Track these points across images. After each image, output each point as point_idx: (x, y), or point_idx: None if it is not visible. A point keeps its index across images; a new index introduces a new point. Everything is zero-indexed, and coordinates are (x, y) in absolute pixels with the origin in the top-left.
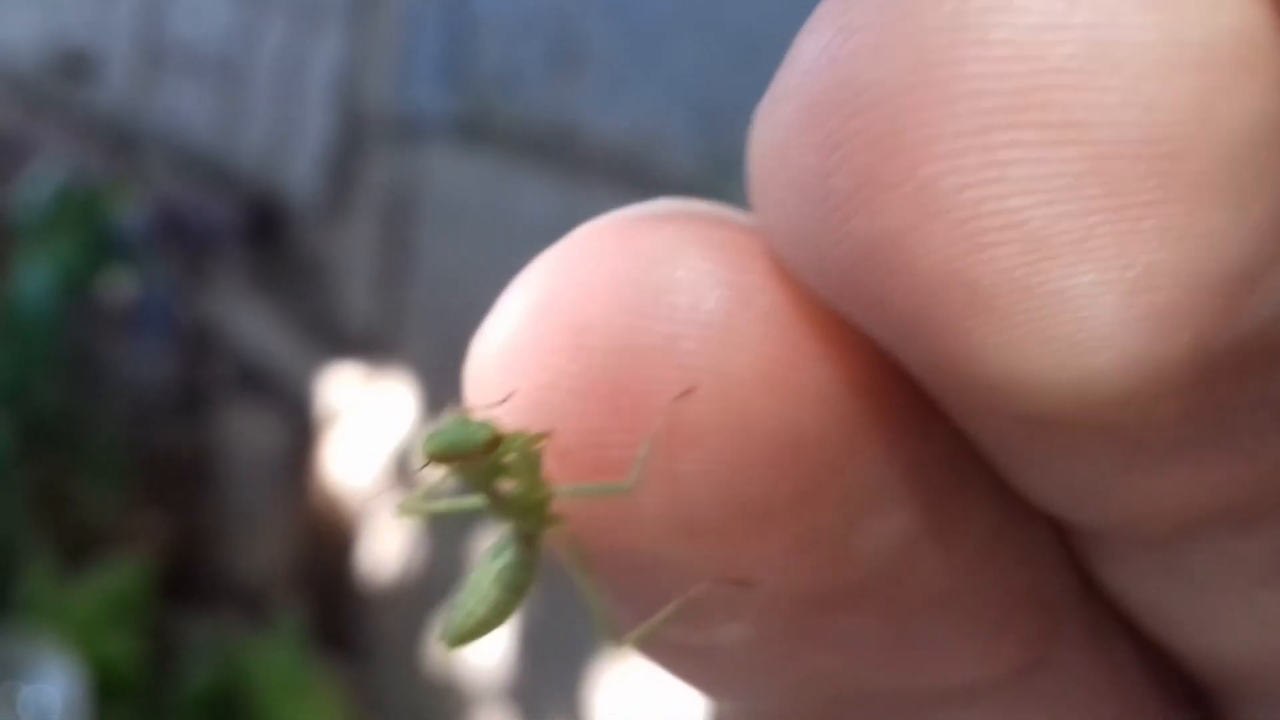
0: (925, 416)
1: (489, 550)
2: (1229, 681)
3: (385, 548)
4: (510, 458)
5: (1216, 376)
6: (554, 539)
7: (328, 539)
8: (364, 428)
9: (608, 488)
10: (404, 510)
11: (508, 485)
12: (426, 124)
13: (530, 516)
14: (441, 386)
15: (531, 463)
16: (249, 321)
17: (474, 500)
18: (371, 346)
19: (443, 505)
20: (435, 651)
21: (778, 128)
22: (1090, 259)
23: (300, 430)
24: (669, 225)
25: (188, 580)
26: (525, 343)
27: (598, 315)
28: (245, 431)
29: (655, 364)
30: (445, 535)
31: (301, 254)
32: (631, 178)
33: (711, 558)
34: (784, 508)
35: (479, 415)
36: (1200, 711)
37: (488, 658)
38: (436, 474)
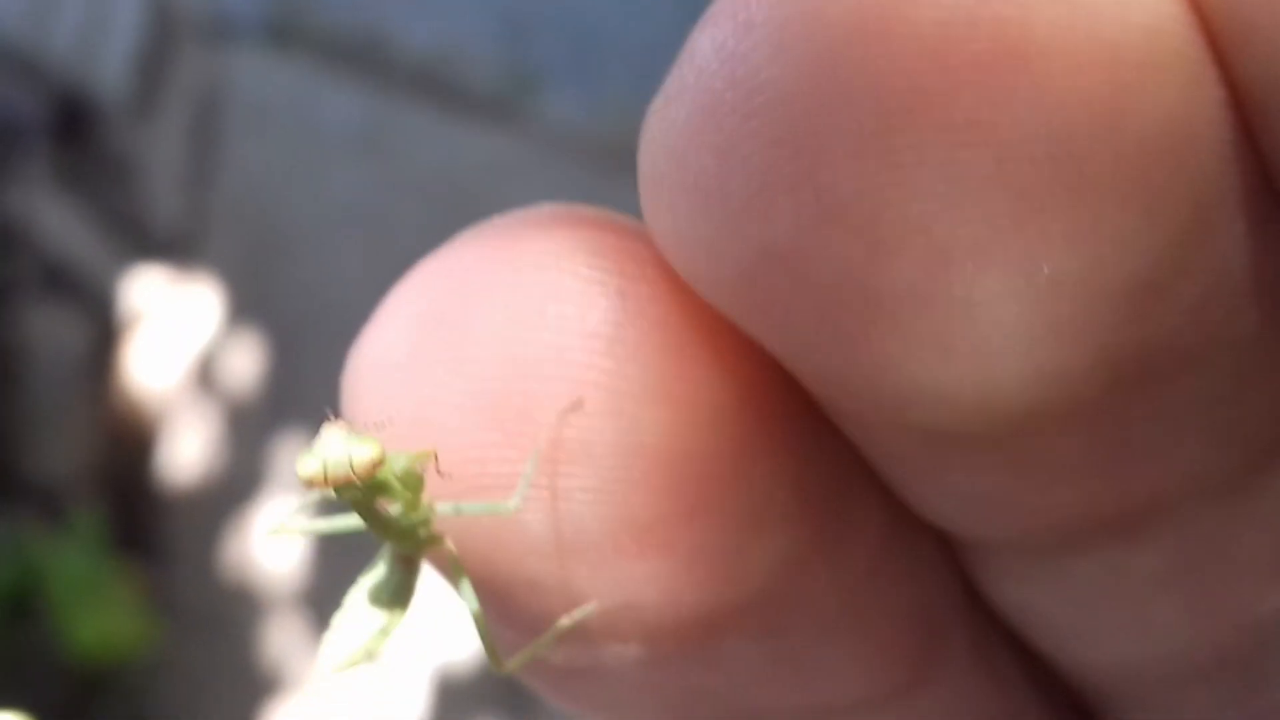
0: (816, 430)
1: (366, 573)
2: (1110, 692)
3: (184, 451)
4: (391, 477)
5: (1120, 387)
6: (434, 558)
7: (128, 441)
8: (167, 330)
9: (491, 507)
10: (276, 532)
11: (387, 505)
12: (237, 25)
13: (410, 537)
14: (245, 291)
15: (413, 482)
16: (54, 219)
17: (350, 521)
18: (177, 248)
19: (316, 526)
20: (230, 555)
21: (671, 128)
22: (994, 266)
23: (103, 331)
24: (554, 231)
25: None
26: (405, 355)
27: (481, 326)
28: (48, 330)
29: (541, 377)
30: (243, 439)
31: (109, 152)
32: (437, 89)
33: (596, 578)
34: (671, 526)
35: (358, 433)
36: None
37: (282, 562)
38: (309, 492)
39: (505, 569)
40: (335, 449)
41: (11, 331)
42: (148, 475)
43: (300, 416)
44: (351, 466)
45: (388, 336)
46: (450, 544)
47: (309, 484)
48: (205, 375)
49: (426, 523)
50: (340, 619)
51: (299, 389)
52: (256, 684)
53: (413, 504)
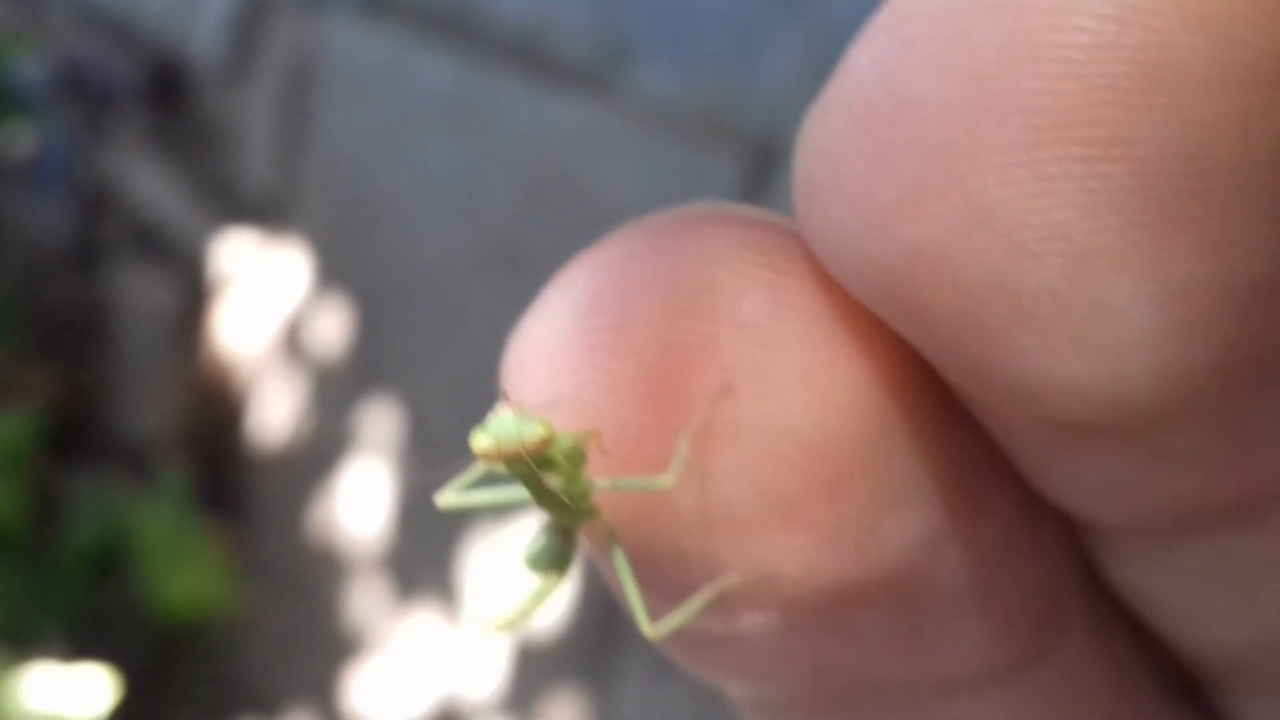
0: (952, 417)
1: (529, 541)
2: (1224, 674)
3: (271, 414)
4: (558, 454)
5: (1242, 383)
6: (590, 530)
7: (216, 402)
8: (257, 294)
9: (648, 483)
10: (444, 503)
11: (551, 479)
12: None
13: (571, 510)
14: (335, 257)
15: (577, 459)
16: (147, 181)
17: (514, 493)
18: (268, 213)
19: (483, 498)
20: (315, 518)
21: (827, 136)
22: (1129, 271)
23: (193, 293)
24: (711, 227)
25: (75, 437)
26: (568, 341)
27: (640, 315)
28: (139, 291)
29: (695, 363)
30: (329, 404)
31: (202, 116)
32: (528, 58)
33: (740, 551)
34: (813, 504)
35: (530, 413)
36: (1195, 704)
37: (365, 527)
38: (478, 466)
39: (655, 541)
40: (508, 427)
41: (104, 291)
42: (235, 437)
43: (387, 383)
44: (523, 444)
45: (551, 323)
46: (606, 517)
47: (483, 458)
48: (293, 340)
49: (586, 496)
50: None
51: (386, 356)
52: (339, 646)
53: (575, 479)
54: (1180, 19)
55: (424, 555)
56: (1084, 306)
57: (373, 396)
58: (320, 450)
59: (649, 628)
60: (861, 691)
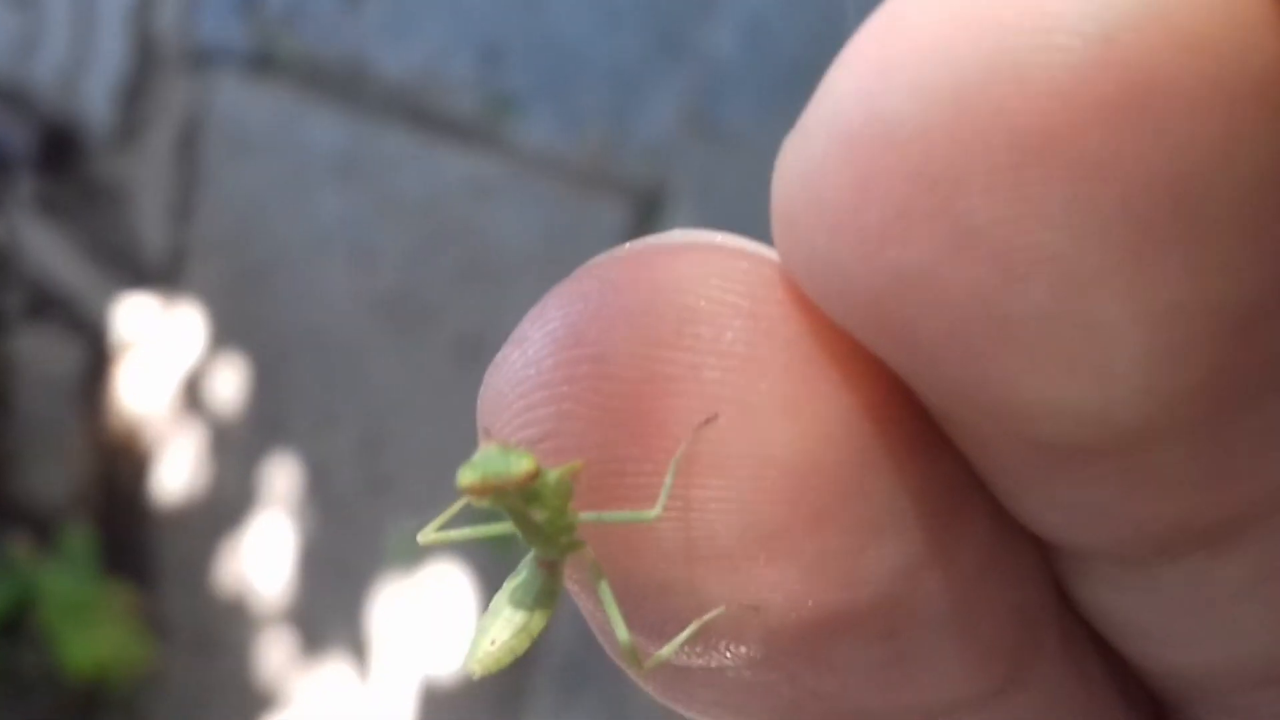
0: (931, 443)
1: (512, 577)
2: (1191, 693)
3: (174, 472)
4: (544, 488)
5: (1225, 404)
6: (574, 564)
7: (119, 463)
8: (157, 354)
9: (634, 516)
10: (425, 540)
11: (535, 513)
12: (218, 54)
13: (555, 543)
14: (232, 314)
15: (563, 493)
16: (42, 246)
17: (497, 528)
18: (164, 274)
19: (464, 534)
20: (222, 577)
21: (808, 160)
22: (1117, 293)
23: (94, 355)
24: (689, 255)
25: None
26: (547, 373)
27: (620, 345)
28: (39, 354)
29: (678, 393)
30: (231, 459)
31: (94, 180)
32: (415, 113)
33: (724, 583)
34: (797, 533)
35: (515, 447)
36: None
37: (270, 582)
38: (458, 502)
39: (640, 574)
40: (495, 462)
41: (3, 356)
42: (138, 496)
43: (288, 437)
44: (510, 479)
45: (528, 355)
46: (590, 551)
47: (469, 494)
48: (194, 398)
49: (572, 530)
50: (485, 621)
51: (286, 410)
52: (250, 701)
53: (561, 513)
54: (1167, 38)
55: (331, 608)
56: (1072, 328)
57: (274, 451)
58: (224, 506)
59: (637, 665)
60: None
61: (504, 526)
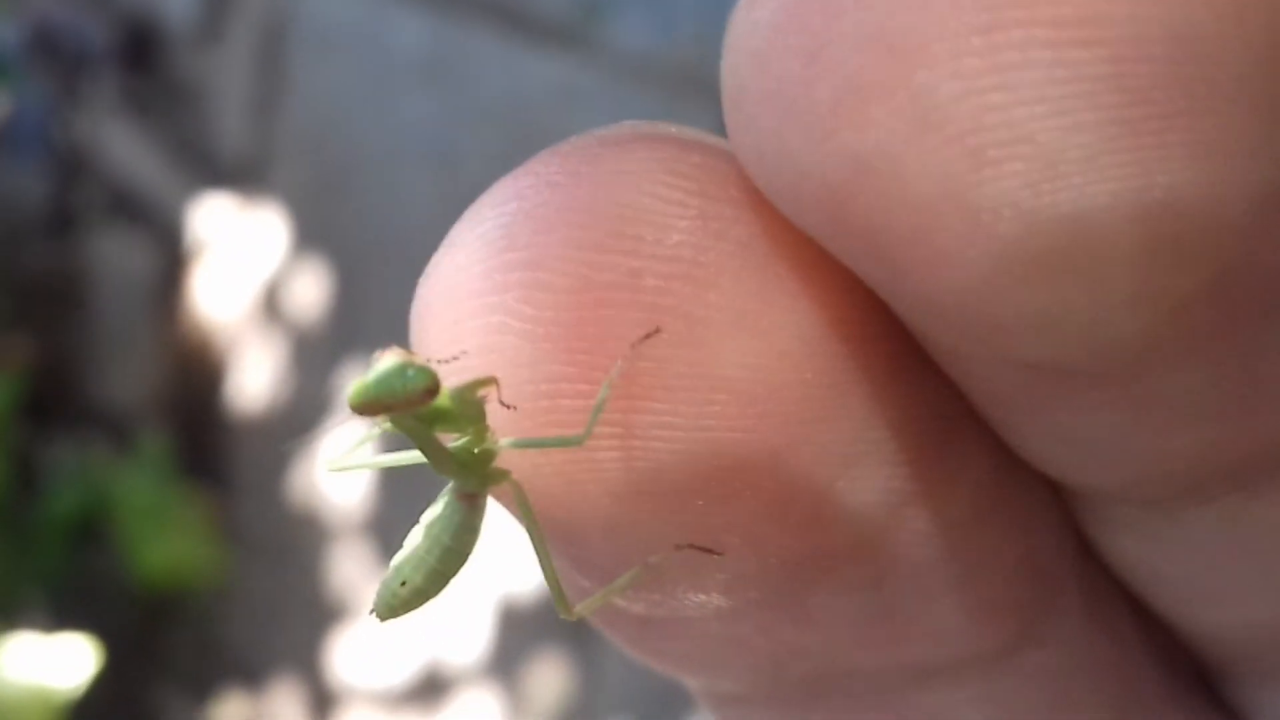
0: (914, 364)
1: (428, 513)
2: (1235, 660)
3: (251, 379)
4: (449, 405)
5: (1241, 317)
6: (500, 496)
7: (195, 367)
8: (235, 258)
9: (558, 440)
10: (333, 468)
11: (449, 437)
12: None
13: (473, 472)
14: (312, 218)
15: (473, 412)
16: (122, 145)
17: (411, 455)
18: (243, 176)
19: (375, 461)
20: (296, 483)
21: (755, 31)
22: (1106, 178)
23: (171, 257)
24: (634, 149)
25: (53, 404)
26: (476, 280)
27: (554, 250)
28: (116, 256)
29: (616, 303)
30: (308, 367)
31: (175, 78)
32: (503, 14)
33: (675, 522)
34: (754, 464)
35: (415, 359)
36: (1206, 695)
37: (345, 492)
38: (367, 424)
39: (578, 510)
40: (389, 378)
41: (81, 257)
42: (215, 402)
43: (365, 345)
44: (405, 393)
45: (457, 260)
46: (516, 483)
47: (359, 411)
48: (271, 303)
49: (489, 457)
50: (398, 562)
51: (364, 317)
52: (322, 612)
53: (474, 435)
54: None
55: (407, 517)
56: (1053, 221)
57: (351, 359)
58: (300, 414)
59: (564, 608)
60: (827, 682)
61: (418, 453)
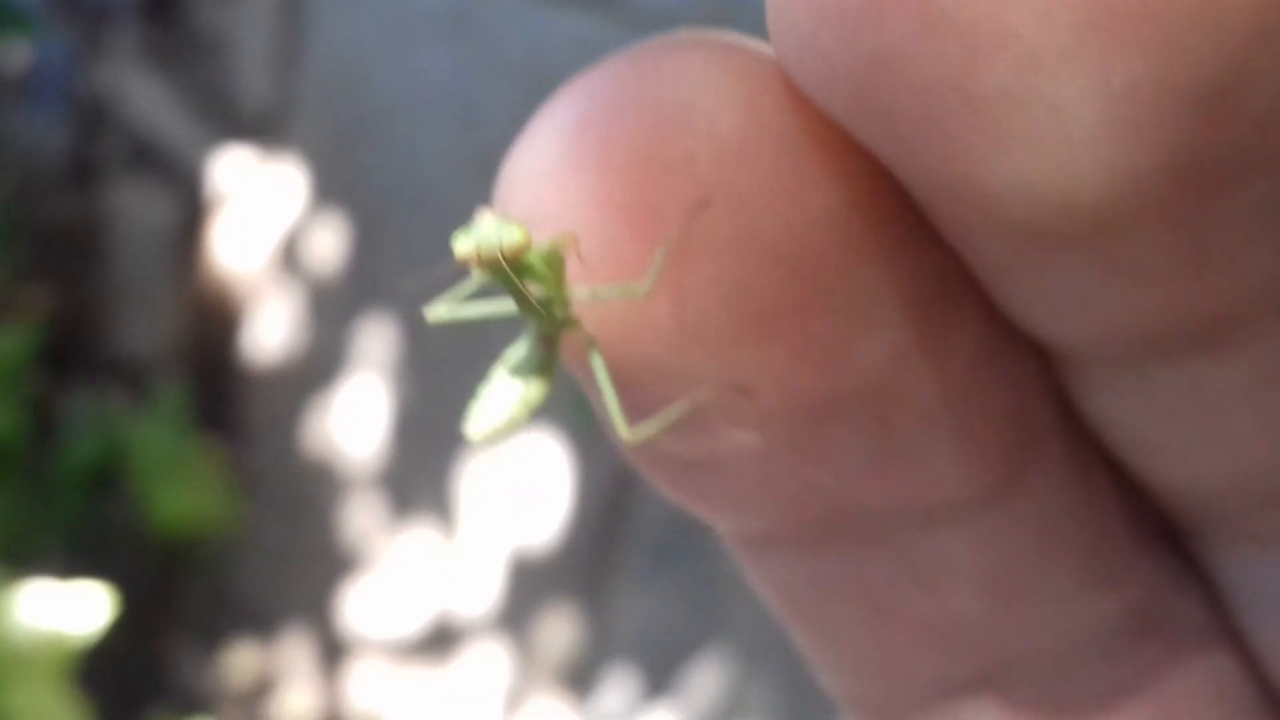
0: (921, 235)
1: (508, 354)
2: (1201, 519)
3: (270, 330)
4: (536, 259)
5: (1192, 188)
6: (571, 339)
7: (214, 318)
8: (254, 210)
9: (624, 290)
10: (433, 314)
11: (532, 287)
12: None
13: (551, 317)
14: (332, 171)
15: (556, 264)
16: (143, 96)
17: (499, 305)
18: (264, 127)
19: (470, 310)
20: (314, 438)
21: None
22: (1077, 71)
23: (190, 208)
24: (690, 52)
25: (72, 353)
26: (554, 161)
27: (622, 135)
28: (136, 207)
29: (673, 179)
30: (327, 319)
31: (197, 29)
32: None
33: (716, 366)
34: (785, 317)
35: (507, 220)
36: (1173, 550)
37: (361, 445)
38: (463, 276)
39: (634, 353)
40: (488, 231)
41: (100, 207)
42: (232, 353)
43: (385, 298)
44: (501, 248)
45: (537, 146)
46: (586, 327)
47: (463, 261)
48: (291, 255)
49: (566, 304)
50: (485, 391)
51: (384, 270)
52: (336, 563)
53: (554, 285)
54: None
55: (421, 471)
56: (1034, 106)
57: (371, 312)
58: (318, 366)
59: (626, 431)
60: (842, 521)
61: (507, 304)
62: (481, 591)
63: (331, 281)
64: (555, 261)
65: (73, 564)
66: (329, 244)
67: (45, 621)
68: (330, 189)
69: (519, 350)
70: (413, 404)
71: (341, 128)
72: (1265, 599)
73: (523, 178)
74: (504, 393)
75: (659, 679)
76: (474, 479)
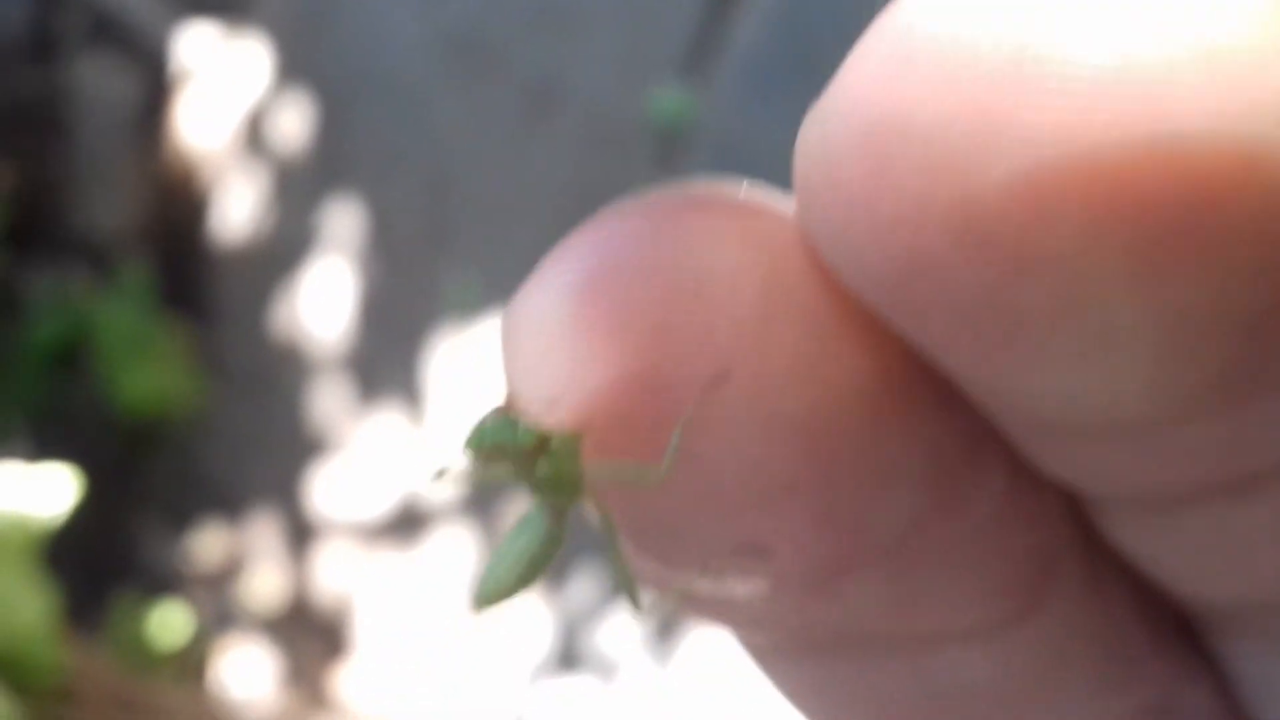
0: (946, 400)
1: (519, 522)
2: (1216, 620)
3: (235, 210)
4: (549, 454)
5: (1236, 398)
6: (586, 509)
7: (177, 197)
8: (219, 88)
9: (641, 472)
10: (440, 478)
11: (542, 469)
12: None
13: (563, 494)
14: (296, 49)
15: (569, 455)
16: None
17: (510, 475)
18: (228, 4)
19: (475, 477)
20: (280, 320)
21: (825, 145)
22: (1127, 297)
23: (154, 85)
24: (709, 213)
25: (34, 231)
26: (564, 321)
27: (637, 301)
28: (98, 82)
29: (692, 352)
30: (292, 199)
31: None
32: None
33: (731, 530)
34: (806, 488)
35: (522, 415)
36: (1188, 645)
37: (327, 327)
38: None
39: (646, 520)
40: (502, 431)
41: (62, 83)
42: (197, 234)
43: (350, 179)
44: (518, 449)
45: (546, 300)
46: (598, 498)
47: (475, 458)
48: (255, 135)
49: (578, 486)
50: (491, 563)
51: (349, 151)
52: (302, 445)
53: (567, 474)
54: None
55: (386, 355)
56: (1080, 325)
57: (336, 193)
58: (284, 247)
59: (639, 608)
60: (850, 643)
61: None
62: (448, 475)
63: (297, 162)
64: (571, 452)
65: (38, 444)
66: (294, 124)
67: (11, 504)
68: (294, 67)
69: (528, 521)
70: (379, 286)
71: (306, 4)
72: (1275, 692)
73: (530, 336)
74: (511, 564)
75: None
76: (441, 361)
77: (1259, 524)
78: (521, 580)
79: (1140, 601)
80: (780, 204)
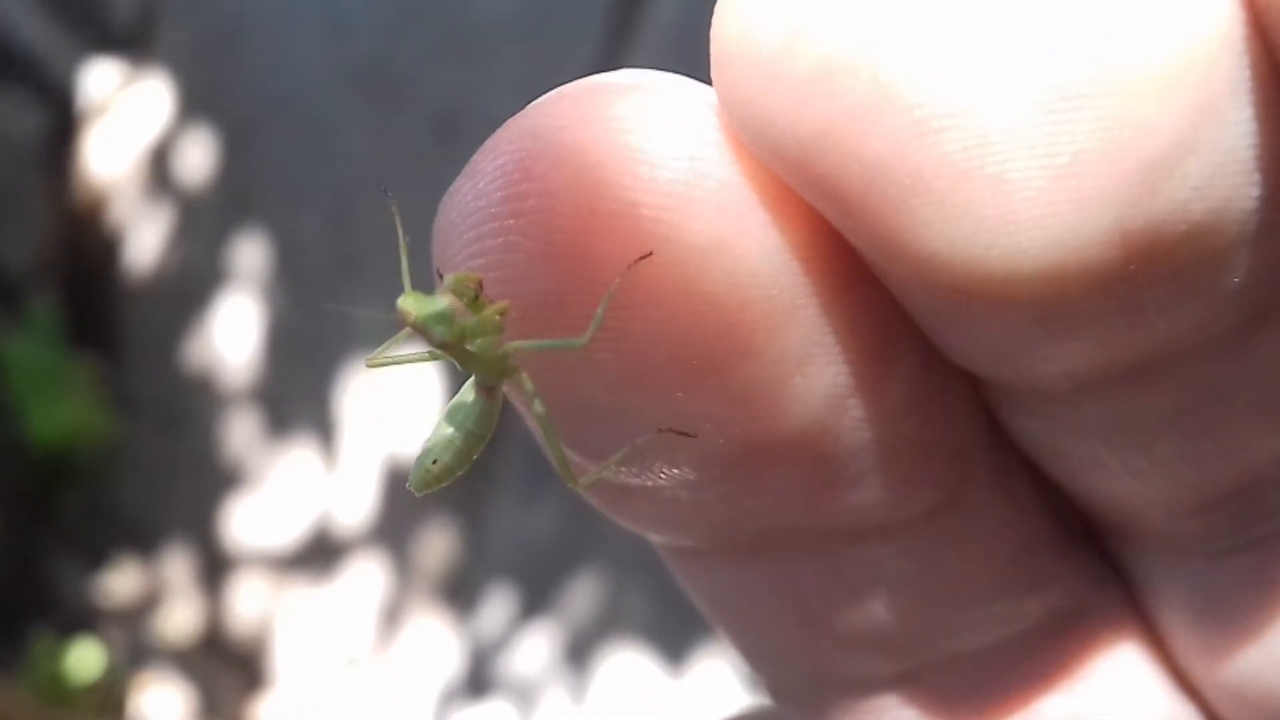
0: (859, 281)
1: (453, 401)
2: (1117, 519)
3: (143, 244)
4: (472, 325)
5: (1133, 254)
6: (513, 388)
7: (86, 232)
8: (125, 121)
9: (563, 343)
10: (372, 364)
11: (470, 343)
12: None
13: (491, 369)
14: (202, 82)
15: (491, 329)
16: (9, 5)
17: (435, 354)
18: (133, 38)
19: (409, 356)
20: (190, 352)
21: (742, 15)
22: (1025, 148)
23: (60, 120)
24: (634, 97)
25: None
26: (496, 207)
27: (563, 183)
28: (3, 118)
29: (615, 230)
30: (199, 232)
31: None
32: None
33: (657, 409)
34: (725, 364)
35: (446, 289)
36: (1092, 550)
37: (238, 359)
38: (400, 331)
39: (577, 400)
40: (426, 303)
41: None
42: (105, 268)
43: (258, 210)
44: (441, 318)
45: (478, 188)
46: (526, 377)
47: (403, 327)
48: (162, 168)
49: (505, 359)
50: (427, 443)
51: (257, 182)
52: (215, 478)
53: (492, 346)
54: None
55: (298, 386)
56: (981, 180)
57: (244, 224)
58: (192, 281)
59: (571, 480)
60: (773, 539)
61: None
62: (360, 506)
63: (205, 194)
64: (494, 327)
65: None
66: (201, 156)
67: None
68: (199, 100)
69: (460, 400)
70: (288, 318)
71: (210, 37)
72: (1179, 598)
73: (464, 219)
74: (447, 443)
75: (536, 592)
76: (352, 393)
77: (1159, 413)
78: (459, 459)
79: (1049, 506)
80: (703, 90)
